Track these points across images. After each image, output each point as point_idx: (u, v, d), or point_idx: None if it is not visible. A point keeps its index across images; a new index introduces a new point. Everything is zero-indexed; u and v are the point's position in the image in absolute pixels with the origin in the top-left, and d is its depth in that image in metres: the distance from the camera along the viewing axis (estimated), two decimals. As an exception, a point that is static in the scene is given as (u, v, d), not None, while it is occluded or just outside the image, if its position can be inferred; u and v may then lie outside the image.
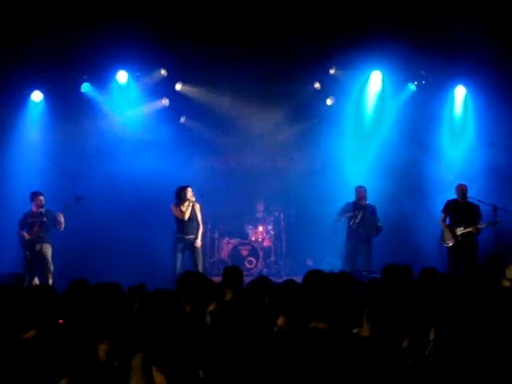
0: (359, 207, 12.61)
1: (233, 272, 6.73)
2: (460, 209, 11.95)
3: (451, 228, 11.91)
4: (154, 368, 3.52)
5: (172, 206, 11.93)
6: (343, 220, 12.64)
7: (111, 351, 4.22)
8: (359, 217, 12.52)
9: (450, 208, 12.05)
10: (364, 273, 10.90)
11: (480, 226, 11.72)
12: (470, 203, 11.96)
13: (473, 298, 5.54)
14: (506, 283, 6.92)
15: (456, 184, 12.15)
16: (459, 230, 11.82)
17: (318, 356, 3.90)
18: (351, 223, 12.57)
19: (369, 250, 12.56)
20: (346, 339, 4.09)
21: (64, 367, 4.01)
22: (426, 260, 11.41)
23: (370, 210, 12.64)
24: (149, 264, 12.66)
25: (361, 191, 12.72)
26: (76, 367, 4.03)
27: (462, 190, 12.01)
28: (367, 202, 12.72)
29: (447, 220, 12.08)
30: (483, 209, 11.98)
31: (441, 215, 12.14)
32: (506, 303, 5.08)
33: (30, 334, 4.38)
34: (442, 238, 12.04)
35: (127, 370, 3.97)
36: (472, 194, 12.02)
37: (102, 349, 4.25)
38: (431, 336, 3.51)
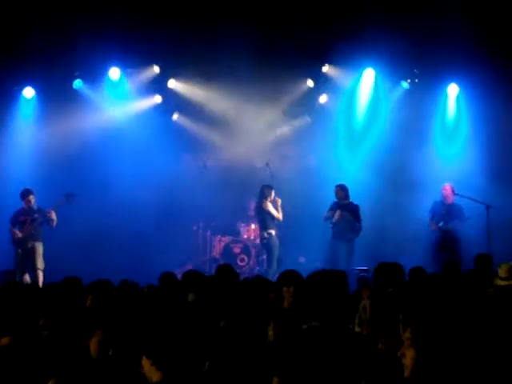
0: (338, 206, 12.39)
1: (226, 270, 6.74)
2: (443, 208, 12.16)
3: (434, 225, 12.12)
4: (149, 362, 3.44)
5: (267, 203, 12.17)
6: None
7: (103, 342, 4.14)
8: (336, 216, 12.33)
9: (435, 209, 12.34)
10: (355, 271, 10.89)
11: (454, 222, 11.94)
12: (454, 205, 12.13)
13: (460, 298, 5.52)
14: (500, 282, 6.91)
15: (451, 180, 12.30)
16: (439, 225, 12.04)
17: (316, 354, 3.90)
18: (330, 222, 12.49)
19: (349, 249, 12.17)
20: (341, 336, 4.08)
21: (43, 374, 3.86)
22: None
23: (348, 209, 12.31)
24: (141, 260, 12.62)
25: (336, 190, 12.46)
26: (64, 366, 3.94)
27: (445, 190, 12.20)
28: (350, 200, 12.43)
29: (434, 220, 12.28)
30: (476, 207, 12.06)
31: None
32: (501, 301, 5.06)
33: (5, 340, 4.08)
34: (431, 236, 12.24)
35: (122, 359, 3.91)
36: (465, 193, 12.08)
37: (94, 341, 4.16)
38: (406, 335, 3.47)
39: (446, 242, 11.89)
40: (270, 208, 12.24)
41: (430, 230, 12.36)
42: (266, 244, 12.34)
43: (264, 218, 12.33)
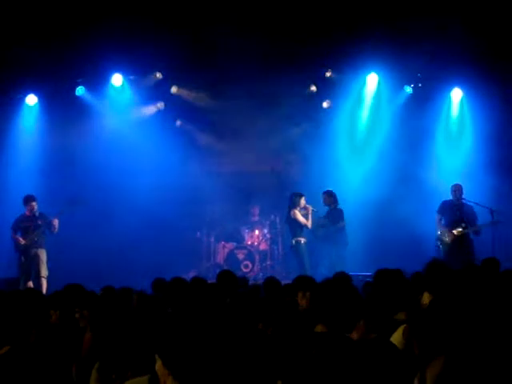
0: (326, 212, 12.68)
1: (227, 276, 6.72)
2: (456, 209, 11.93)
3: (448, 229, 11.88)
4: (166, 372, 3.41)
5: (295, 211, 12.19)
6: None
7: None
8: (316, 222, 12.52)
9: (445, 209, 12.03)
10: (360, 277, 10.84)
11: (477, 228, 11.72)
12: (466, 204, 11.94)
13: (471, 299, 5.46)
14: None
15: (451, 184, 12.17)
16: (457, 231, 11.78)
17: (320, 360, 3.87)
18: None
19: (332, 253, 12.26)
20: (344, 343, 4.05)
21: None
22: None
23: (328, 215, 12.55)
24: (144, 266, 12.59)
25: (324, 197, 12.68)
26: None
27: (457, 190, 11.99)
28: (336, 204, 12.55)
29: (442, 221, 12.06)
30: (480, 211, 11.96)
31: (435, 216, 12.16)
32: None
33: (3, 350, 4.01)
34: (439, 239, 12.00)
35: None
36: (469, 197, 12.00)
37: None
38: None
39: (461, 244, 11.75)
40: (298, 216, 12.23)
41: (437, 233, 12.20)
42: (293, 252, 12.37)
43: (292, 227, 12.34)
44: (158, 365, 3.38)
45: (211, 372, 3.35)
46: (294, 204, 12.29)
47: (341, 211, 12.54)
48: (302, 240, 12.20)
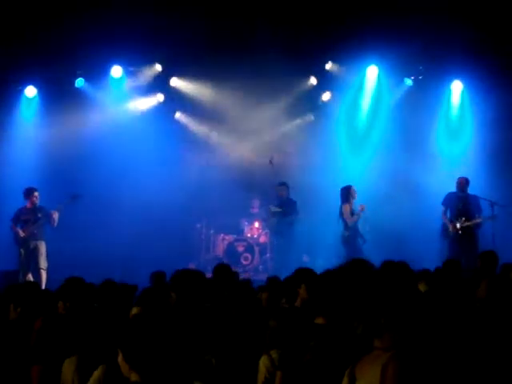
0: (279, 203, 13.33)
1: (223, 270, 6.73)
2: (460, 202, 11.91)
3: (451, 221, 11.87)
4: (127, 366, 3.43)
5: (346, 206, 12.14)
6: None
7: None
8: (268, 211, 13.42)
9: (450, 201, 12.02)
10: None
11: (479, 221, 11.71)
12: (470, 196, 11.92)
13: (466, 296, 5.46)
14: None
15: (456, 178, 12.14)
16: (459, 224, 11.77)
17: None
18: None
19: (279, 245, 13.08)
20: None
21: None
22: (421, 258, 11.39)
23: (282, 206, 13.14)
24: (143, 259, 12.57)
25: (279, 189, 13.24)
26: None
27: (461, 183, 11.98)
28: (289, 197, 13.18)
29: (448, 213, 12.05)
30: (481, 204, 11.96)
31: (440, 209, 12.14)
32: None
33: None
34: (443, 232, 11.99)
35: None
36: (469, 190, 12.00)
37: None
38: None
39: (465, 237, 11.75)
40: (344, 211, 12.11)
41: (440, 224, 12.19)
42: (343, 243, 12.26)
43: (343, 220, 12.19)
44: (120, 358, 3.43)
45: (171, 367, 3.41)
46: (345, 198, 12.18)
47: (294, 203, 13.00)
48: (347, 233, 12.13)
